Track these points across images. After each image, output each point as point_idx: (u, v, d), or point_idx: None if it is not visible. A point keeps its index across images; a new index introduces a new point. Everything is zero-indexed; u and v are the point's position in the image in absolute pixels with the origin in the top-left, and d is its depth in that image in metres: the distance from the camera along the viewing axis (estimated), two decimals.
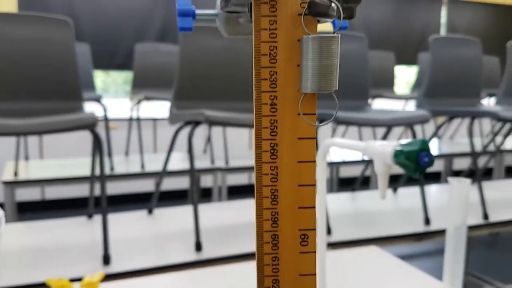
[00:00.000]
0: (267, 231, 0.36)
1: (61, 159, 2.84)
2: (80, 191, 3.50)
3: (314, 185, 0.36)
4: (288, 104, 0.36)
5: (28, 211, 3.45)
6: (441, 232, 1.89)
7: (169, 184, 2.75)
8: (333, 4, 0.34)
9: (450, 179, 0.87)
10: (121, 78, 4.25)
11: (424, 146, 0.91)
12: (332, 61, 0.33)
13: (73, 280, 0.99)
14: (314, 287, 0.36)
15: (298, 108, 0.36)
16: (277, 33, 0.35)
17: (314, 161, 0.36)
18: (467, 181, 0.86)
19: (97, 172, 1.80)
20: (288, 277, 0.37)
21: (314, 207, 0.36)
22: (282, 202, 0.36)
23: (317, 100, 0.36)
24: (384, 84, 3.41)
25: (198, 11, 0.48)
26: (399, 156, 0.92)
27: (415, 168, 0.91)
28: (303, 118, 0.35)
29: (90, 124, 1.38)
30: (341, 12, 0.34)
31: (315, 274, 0.36)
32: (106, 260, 1.42)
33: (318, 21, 0.35)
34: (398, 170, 0.78)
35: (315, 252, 0.36)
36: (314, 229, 0.36)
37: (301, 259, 0.36)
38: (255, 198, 0.36)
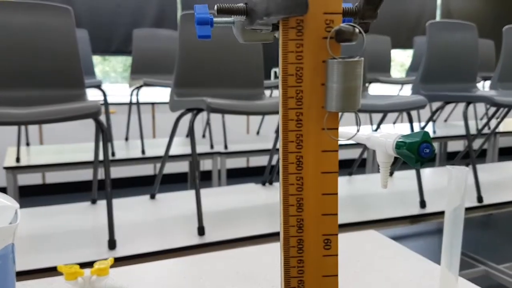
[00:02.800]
0: (293, 236, 0.39)
1: (60, 145, 2.86)
2: (80, 175, 3.55)
3: (336, 193, 0.39)
4: (312, 120, 0.39)
5: (29, 195, 3.49)
6: (436, 214, 1.93)
7: (168, 168, 2.79)
8: (356, 29, 0.37)
9: (449, 167, 0.91)
10: (120, 66, 4.27)
11: (425, 138, 0.94)
12: (356, 83, 0.36)
13: (80, 265, 1.02)
14: (336, 287, 0.40)
15: (322, 124, 0.38)
16: (303, 55, 0.38)
17: (337, 172, 0.39)
18: (466, 169, 0.89)
19: (99, 158, 1.82)
20: (312, 278, 0.40)
21: (337, 214, 0.40)
22: (307, 209, 0.39)
23: None
24: (380, 68, 3.43)
25: (215, 19, 0.49)
26: (401, 147, 0.96)
27: (417, 159, 0.94)
28: (328, 133, 0.38)
29: (94, 113, 1.40)
30: (364, 36, 0.37)
31: (337, 275, 0.40)
32: (112, 245, 1.45)
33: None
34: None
35: (337, 255, 0.40)
36: (336, 234, 0.40)
37: (325, 261, 0.40)
38: (281, 206, 0.39)
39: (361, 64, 0.36)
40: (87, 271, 1.05)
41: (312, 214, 0.39)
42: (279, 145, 0.39)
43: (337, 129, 0.39)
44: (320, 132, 0.39)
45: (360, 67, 0.36)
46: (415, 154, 0.94)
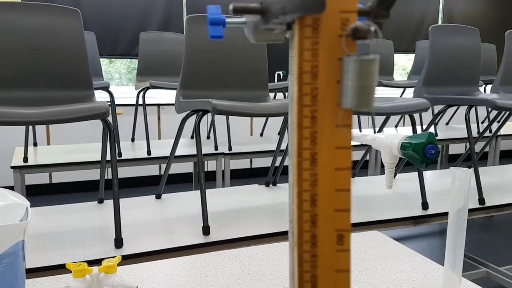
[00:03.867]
0: (307, 231, 0.40)
1: (67, 145, 2.89)
2: (86, 175, 3.58)
3: (349, 190, 0.40)
4: (327, 117, 0.39)
5: (36, 194, 3.52)
6: (438, 216, 1.94)
7: (172, 168, 2.81)
8: (371, 27, 0.37)
9: (452, 169, 0.92)
10: (123, 67, 4.30)
11: (430, 139, 0.95)
12: (372, 81, 0.37)
13: (87, 263, 1.03)
14: (348, 282, 0.40)
15: (337, 121, 0.39)
16: (318, 53, 0.38)
17: (350, 168, 0.40)
18: (469, 171, 0.90)
19: (105, 159, 1.84)
20: (325, 272, 0.41)
21: (349, 210, 0.40)
22: (321, 205, 0.40)
23: None
24: (383, 72, 3.45)
25: (228, 20, 0.50)
26: (407, 148, 0.96)
27: (422, 160, 0.95)
28: (342, 130, 0.39)
29: (102, 114, 1.41)
30: (381, 34, 0.38)
31: (349, 271, 0.40)
32: (119, 243, 1.46)
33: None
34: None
35: (349, 250, 0.40)
36: (349, 230, 0.41)
37: (337, 256, 0.40)
38: (295, 201, 0.40)
39: (376, 62, 0.36)
40: (95, 269, 1.06)
41: (326, 210, 0.40)
42: (288, 143, 0.39)
43: (350, 126, 0.39)
44: (334, 129, 0.39)
45: (376, 65, 0.36)
46: (421, 155, 0.95)
